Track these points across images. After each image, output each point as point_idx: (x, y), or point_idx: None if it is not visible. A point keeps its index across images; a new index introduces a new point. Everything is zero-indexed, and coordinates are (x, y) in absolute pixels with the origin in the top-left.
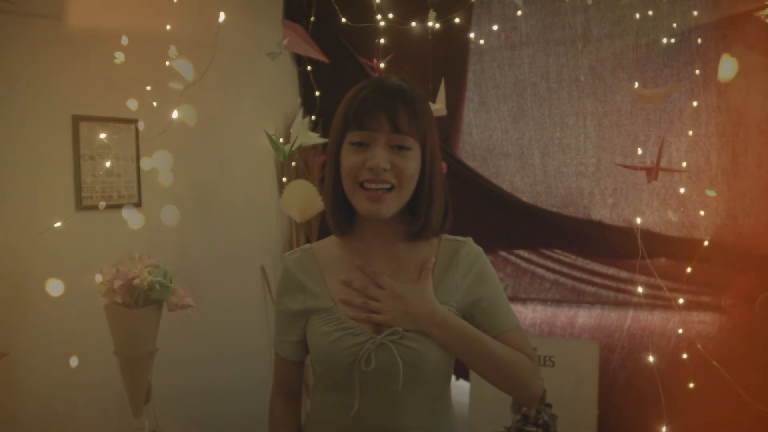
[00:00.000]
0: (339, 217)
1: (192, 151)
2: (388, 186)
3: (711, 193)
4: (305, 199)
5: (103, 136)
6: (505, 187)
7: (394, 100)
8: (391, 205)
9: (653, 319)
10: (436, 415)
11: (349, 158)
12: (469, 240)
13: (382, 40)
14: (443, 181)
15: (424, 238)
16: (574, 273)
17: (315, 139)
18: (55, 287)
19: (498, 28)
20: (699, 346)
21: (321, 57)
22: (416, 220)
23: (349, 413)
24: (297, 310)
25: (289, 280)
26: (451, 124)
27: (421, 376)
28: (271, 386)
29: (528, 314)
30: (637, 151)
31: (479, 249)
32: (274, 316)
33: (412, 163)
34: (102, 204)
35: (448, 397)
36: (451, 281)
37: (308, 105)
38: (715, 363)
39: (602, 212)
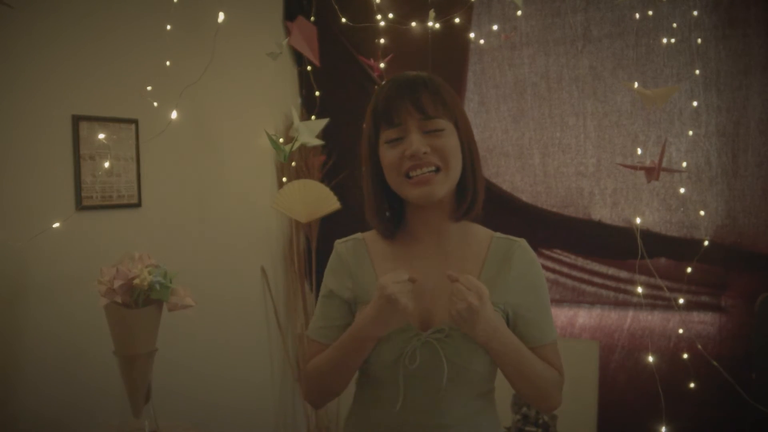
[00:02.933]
0: (385, 220)
1: (192, 151)
2: (433, 168)
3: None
4: (316, 200)
5: (103, 136)
6: (505, 187)
7: (416, 87)
8: (442, 185)
9: (653, 319)
10: (478, 414)
11: (388, 154)
12: (524, 242)
13: (382, 40)
14: (479, 158)
15: (470, 218)
16: (574, 273)
17: (316, 141)
18: (55, 287)
19: (498, 28)
20: (699, 346)
21: (314, 59)
22: (464, 199)
23: (392, 409)
24: (343, 296)
25: (339, 264)
26: None
27: (465, 375)
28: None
29: None
30: (637, 151)
31: (534, 254)
32: (318, 300)
33: (450, 141)
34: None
35: (492, 396)
36: (503, 283)
37: (308, 105)
38: (715, 363)
39: (602, 212)
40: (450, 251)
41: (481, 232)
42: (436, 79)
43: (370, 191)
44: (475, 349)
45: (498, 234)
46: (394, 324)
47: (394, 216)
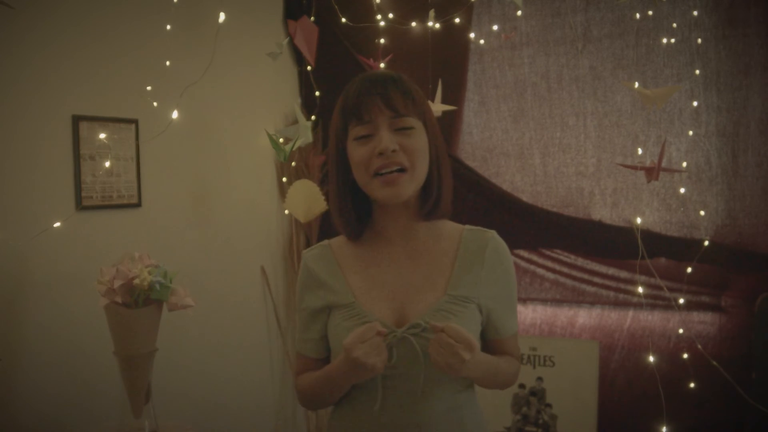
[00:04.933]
0: (349, 220)
1: (192, 151)
2: (399, 167)
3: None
4: (309, 199)
5: (103, 136)
6: (505, 187)
7: (385, 84)
8: (408, 186)
9: (653, 319)
10: (460, 409)
11: (357, 151)
12: (495, 233)
13: (382, 40)
14: (448, 158)
15: (436, 217)
16: (574, 273)
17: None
18: (55, 287)
19: (498, 28)
20: (699, 346)
21: (310, 58)
22: (429, 199)
23: (372, 409)
24: (318, 306)
25: (308, 277)
26: (451, 124)
27: None
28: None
29: (528, 314)
30: (637, 151)
31: (505, 245)
32: (297, 315)
33: (419, 141)
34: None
35: (473, 390)
36: (476, 277)
37: (308, 105)
38: (715, 363)
39: (602, 212)
40: (420, 250)
41: (451, 228)
42: (405, 78)
43: (336, 189)
44: None
45: (468, 227)
46: (366, 377)
47: (361, 216)
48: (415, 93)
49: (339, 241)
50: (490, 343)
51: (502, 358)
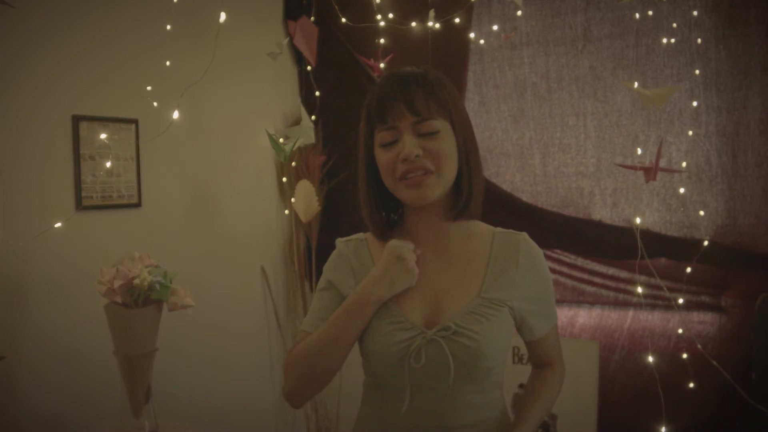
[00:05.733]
0: (377, 220)
1: (192, 151)
2: (424, 171)
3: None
4: (307, 199)
5: (103, 136)
6: (505, 187)
7: (409, 87)
8: (434, 188)
9: (653, 319)
10: (490, 409)
11: (383, 157)
12: (526, 235)
13: (382, 40)
14: (479, 156)
15: (467, 217)
16: (574, 273)
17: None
18: (55, 287)
19: (498, 28)
20: (699, 346)
21: (310, 58)
22: (459, 199)
23: (399, 411)
24: (343, 291)
25: (341, 261)
26: None
27: (474, 373)
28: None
29: None
30: (637, 151)
31: (536, 245)
32: (316, 295)
33: (445, 144)
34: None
35: (500, 391)
36: (510, 279)
37: (308, 105)
38: (715, 363)
39: (602, 212)
40: (452, 251)
41: (482, 229)
42: (432, 74)
43: (364, 192)
44: (483, 345)
45: (499, 229)
46: (399, 285)
47: (393, 216)
48: (440, 91)
49: (373, 237)
50: (527, 344)
51: (541, 391)
